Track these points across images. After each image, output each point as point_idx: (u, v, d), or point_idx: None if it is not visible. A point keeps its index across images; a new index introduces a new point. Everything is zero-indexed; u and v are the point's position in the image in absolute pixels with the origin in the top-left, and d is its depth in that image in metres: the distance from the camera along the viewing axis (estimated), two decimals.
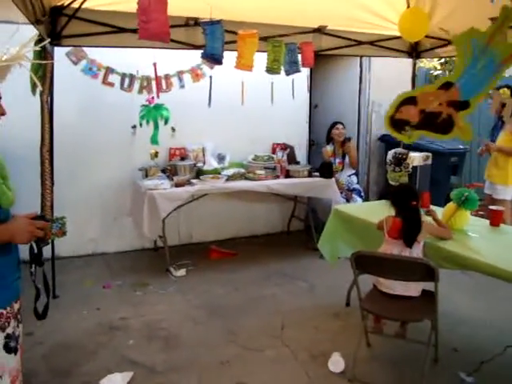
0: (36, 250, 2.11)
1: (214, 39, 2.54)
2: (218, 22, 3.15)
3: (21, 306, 2.13)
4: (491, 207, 3.97)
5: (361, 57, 6.63)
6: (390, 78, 6.56)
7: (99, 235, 5.60)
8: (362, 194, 6.00)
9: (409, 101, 2.74)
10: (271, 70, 4.05)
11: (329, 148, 5.99)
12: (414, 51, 5.16)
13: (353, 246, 3.91)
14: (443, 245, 3.30)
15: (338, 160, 5.92)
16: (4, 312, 1.93)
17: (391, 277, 3.15)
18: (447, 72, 7.29)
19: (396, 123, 2.79)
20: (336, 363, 3.33)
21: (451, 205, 3.70)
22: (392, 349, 3.59)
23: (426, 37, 4.78)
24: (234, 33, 3.76)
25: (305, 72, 6.10)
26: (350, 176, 5.95)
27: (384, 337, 3.59)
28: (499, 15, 2.61)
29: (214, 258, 5.50)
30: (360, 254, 3.07)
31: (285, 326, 3.94)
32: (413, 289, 3.17)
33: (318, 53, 4.80)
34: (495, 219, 3.85)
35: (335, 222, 4.25)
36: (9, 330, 1.94)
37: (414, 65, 5.28)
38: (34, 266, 2.12)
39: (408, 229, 3.21)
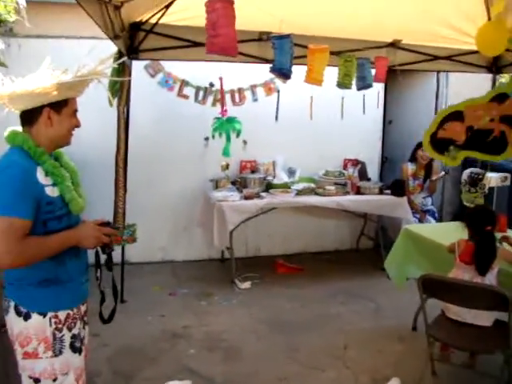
0: (104, 256, 2.18)
1: (282, 53, 2.54)
2: (288, 36, 3.13)
3: (87, 309, 2.21)
4: None
5: (437, 72, 6.42)
6: (469, 94, 6.24)
7: (169, 243, 5.72)
8: (437, 215, 5.78)
9: (454, 116, 2.33)
10: (342, 84, 4.00)
11: (410, 167, 5.72)
12: (494, 66, 4.94)
13: (422, 268, 3.78)
14: None
15: (417, 182, 5.66)
16: (71, 313, 2.02)
17: (461, 304, 3.00)
18: None
19: (438, 142, 2.35)
20: None
21: None
22: (459, 379, 3.42)
23: (508, 50, 4.57)
24: (306, 47, 3.75)
25: (377, 87, 5.98)
26: (425, 198, 5.73)
27: (451, 366, 3.42)
28: None
29: (281, 272, 5.47)
30: (428, 277, 2.95)
31: (347, 346, 3.85)
32: (484, 318, 3.00)
33: (392, 68, 4.70)
34: None
35: (404, 241, 4.12)
36: (75, 331, 2.03)
37: (494, 80, 5.05)
38: (99, 270, 2.19)
39: (481, 255, 3.05)
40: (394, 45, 4.55)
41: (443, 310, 3.22)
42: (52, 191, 1.92)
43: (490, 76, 5.11)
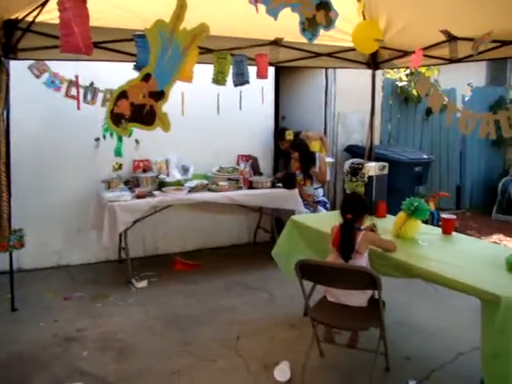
0: None
1: (145, 51, 2.60)
2: None
3: None
4: (443, 216, 4.03)
5: (326, 68, 6.70)
6: (355, 90, 6.65)
7: (63, 247, 5.58)
8: (328, 205, 6.03)
9: (122, 94, 2.75)
10: (216, 81, 4.09)
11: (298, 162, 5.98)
12: (372, 62, 5.23)
13: (307, 257, 3.93)
14: (389, 253, 3.34)
15: (301, 175, 5.92)
16: None
17: (335, 285, 3.19)
18: (412, 83, 7.40)
19: (114, 117, 2.80)
20: (282, 372, 3.35)
21: (402, 214, 3.76)
22: (345, 358, 3.63)
23: (384, 48, 4.88)
24: None
25: (270, 83, 6.17)
26: (316, 189, 5.96)
27: (338, 346, 3.61)
28: (176, 5, 2.61)
29: (178, 269, 5.50)
30: (304, 262, 3.09)
31: (240, 336, 3.96)
32: (357, 298, 3.20)
33: (275, 65, 4.87)
34: (447, 227, 3.92)
35: (290, 232, 4.29)
36: None
37: (374, 76, 5.35)
38: None
39: (341, 243, 3.25)
40: (277, 43, 4.70)
41: (324, 293, 3.40)
42: None
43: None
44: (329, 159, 6.35)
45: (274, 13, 2.95)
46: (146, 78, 2.69)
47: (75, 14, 2.24)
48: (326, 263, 3.22)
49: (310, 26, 3.14)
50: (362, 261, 3.23)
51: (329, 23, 3.14)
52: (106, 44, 4.09)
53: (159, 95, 2.74)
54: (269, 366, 3.48)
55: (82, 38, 2.33)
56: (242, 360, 3.59)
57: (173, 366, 3.49)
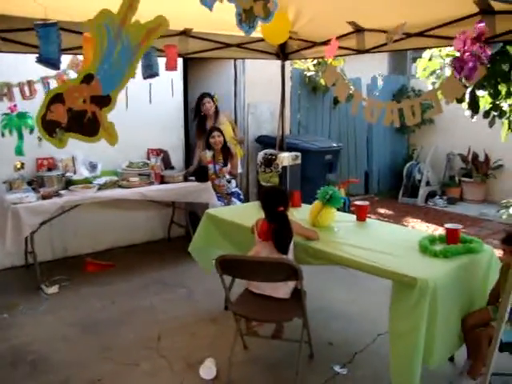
0: None
1: (48, 43, 2.38)
2: (54, 24, 2.92)
3: None
4: (356, 202, 4.12)
5: (234, 59, 6.66)
6: (264, 80, 6.67)
7: None
8: (242, 197, 5.99)
9: (57, 98, 2.36)
10: None
11: (208, 154, 5.84)
12: (281, 53, 5.25)
13: (226, 251, 3.89)
14: (309, 243, 3.37)
15: (218, 167, 5.77)
16: None
17: (257, 279, 3.16)
18: (320, 73, 7.53)
19: (48, 125, 2.42)
20: (207, 370, 3.30)
21: (317, 203, 3.80)
22: (270, 350, 3.62)
23: (293, 39, 4.89)
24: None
25: (179, 75, 6.04)
26: (229, 181, 5.89)
27: (262, 339, 3.60)
28: None
29: (91, 270, 5.26)
30: (223, 258, 3.05)
31: (161, 336, 3.85)
32: (281, 289, 3.19)
33: (184, 56, 4.75)
34: (361, 214, 4.01)
35: (207, 226, 4.22)
36: None
37: (283, 66, 5.37)
38: None
39: (279, 236, 3.21)
40: (186, 33, 4.59)
41: (247, 285, 3.37)
42: None
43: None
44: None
45: (209, 4, 2.75)
46: (88, 79, 2.28)
47: None
48: (245, 257, 3.19)
49: (247, 18, 2.98)
50: (288, 251, 3.24)
51: (267, 14, 3.00)
52: (3, 33, 3.79)
53: (104, 101, 2.29)
54: (193, 365, 3.42)
55: None
56: (165, 361, 3.50)
57: (93, 375, 3.32)
